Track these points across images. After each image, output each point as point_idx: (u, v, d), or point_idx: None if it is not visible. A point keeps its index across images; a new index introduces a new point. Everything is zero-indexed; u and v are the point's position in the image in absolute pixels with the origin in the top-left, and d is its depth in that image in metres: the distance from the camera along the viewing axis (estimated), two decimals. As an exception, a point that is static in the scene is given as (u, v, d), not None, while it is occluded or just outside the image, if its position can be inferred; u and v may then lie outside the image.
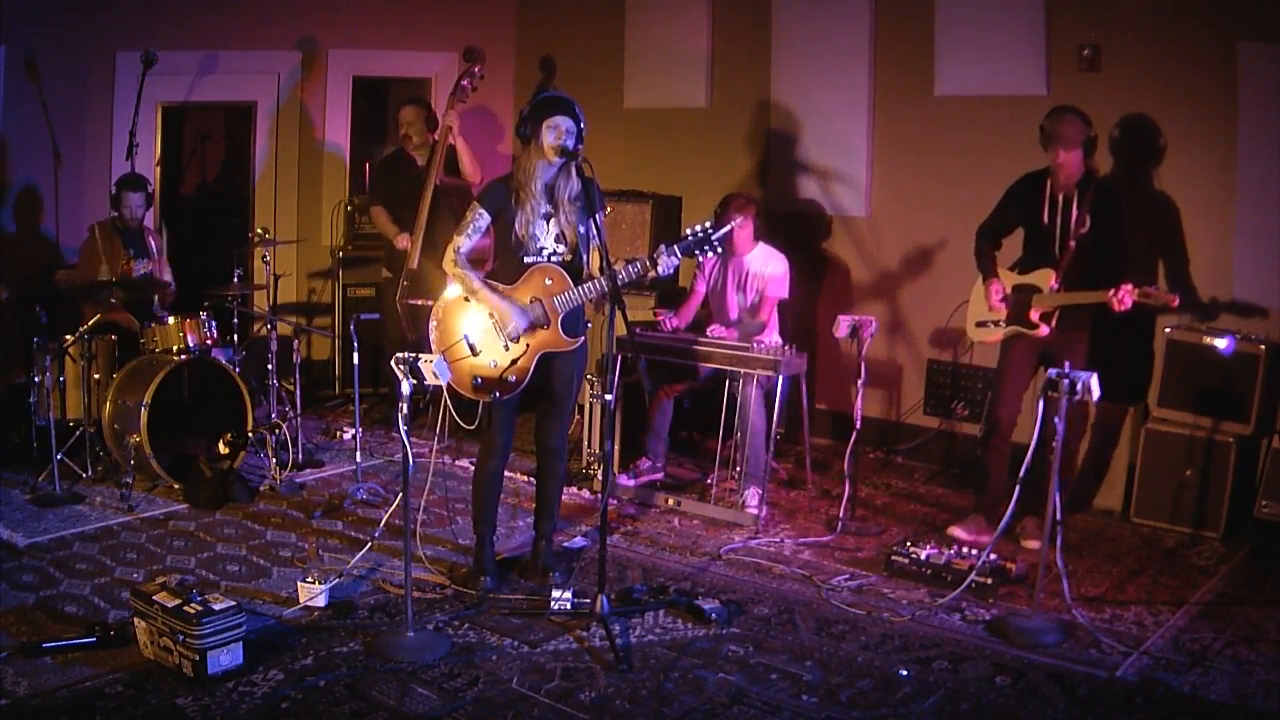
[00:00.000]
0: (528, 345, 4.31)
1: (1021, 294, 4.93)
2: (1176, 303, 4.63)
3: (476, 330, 4.29)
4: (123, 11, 6.69)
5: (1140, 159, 5.63)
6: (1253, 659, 3.93)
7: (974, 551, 4.61)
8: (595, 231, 4.14)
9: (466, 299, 4.31)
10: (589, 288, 4.24)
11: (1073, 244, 4.79)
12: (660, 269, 4.15)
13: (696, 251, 4.18)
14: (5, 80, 6.29)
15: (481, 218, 4.28)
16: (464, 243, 4.28)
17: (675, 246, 4.16)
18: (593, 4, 7.70)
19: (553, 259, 4.30)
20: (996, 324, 5.02)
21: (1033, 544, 4.83)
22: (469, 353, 4.26)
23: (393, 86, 7.88)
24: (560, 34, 7.84)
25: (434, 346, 4.30)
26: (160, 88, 6.66)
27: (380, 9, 7.60)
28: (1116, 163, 5.68)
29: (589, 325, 4.48)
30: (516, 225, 4.25)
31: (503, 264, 4.34)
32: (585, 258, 4.34)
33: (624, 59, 7.55)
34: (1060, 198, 4.85)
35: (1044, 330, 4.85)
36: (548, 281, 4.30)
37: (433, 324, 4.35)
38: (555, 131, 4.13)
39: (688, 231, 4.19)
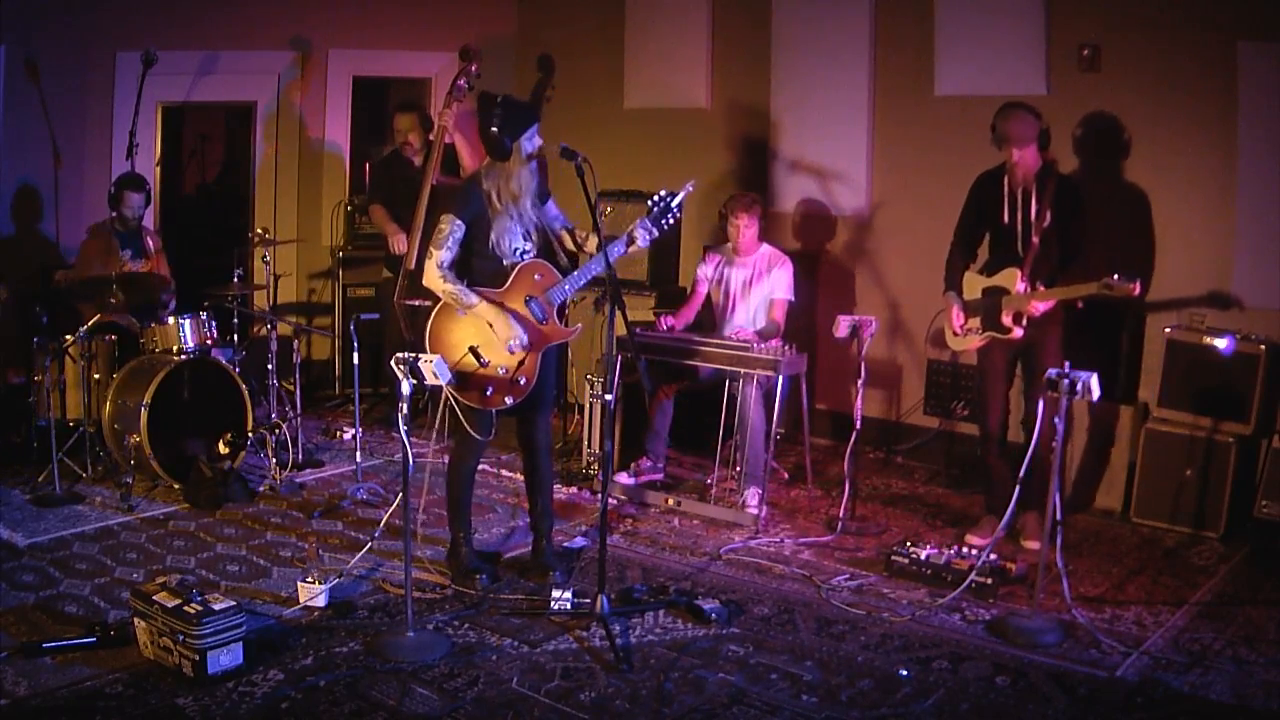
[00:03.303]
0: (532, 344, 4.33)
1: (991, 297, 4.91)
2: (1137, 290, 4.51)
3: (480, 338, 4.25)
4: (123, 11, 6.69)
5: (1139, 160, 5.63)
6: (1253, 659, 3.93)
7: (974, 551, 4.61)
8: (596, 229, 4.15)
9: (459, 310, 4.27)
10: (577, 276, 4.34)
11: (1036, 240, 4.77)
12: (640, 241, 4.36)
13: (664, 221, 4.41)
14: (5, 80, 6.29)
15: (459, 229, 4.24)
16: (446, 256, 4.22)
17: (646, 220, 4.40)
18: (593, 4, 7.70)
19: (525, 256, 4.35)
20: (972, 331, 5.01)
21: (1033, 544, 4.83)
22: (477, 364, 4.21)
23: (392, 86, 7.89)
24: (560, 34, 7.84)
25: None
26: (160, 88, 6.66)
27: (380, 9, 7.60)
28: (1114, 163, 5.68)
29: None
30: (494, 233, 4.27)
31: (480, 269, 4.31)
32: (556, 239, 4.46)
33: (624, 59, 7.55)
34: (1019, 194, 4.83)
35: (1018, 333, 4.83)
36: (537, 277, 4.35)
37: (428, 340, 4.25)
38: (533, 142, 4.26)
39: (650, 203, 4.41)
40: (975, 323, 4.97)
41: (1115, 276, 4.47)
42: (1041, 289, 4.76)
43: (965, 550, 4.65)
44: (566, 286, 4.36)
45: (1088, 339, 5.06)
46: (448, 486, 4.56)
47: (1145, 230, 5.61)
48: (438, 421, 3.92)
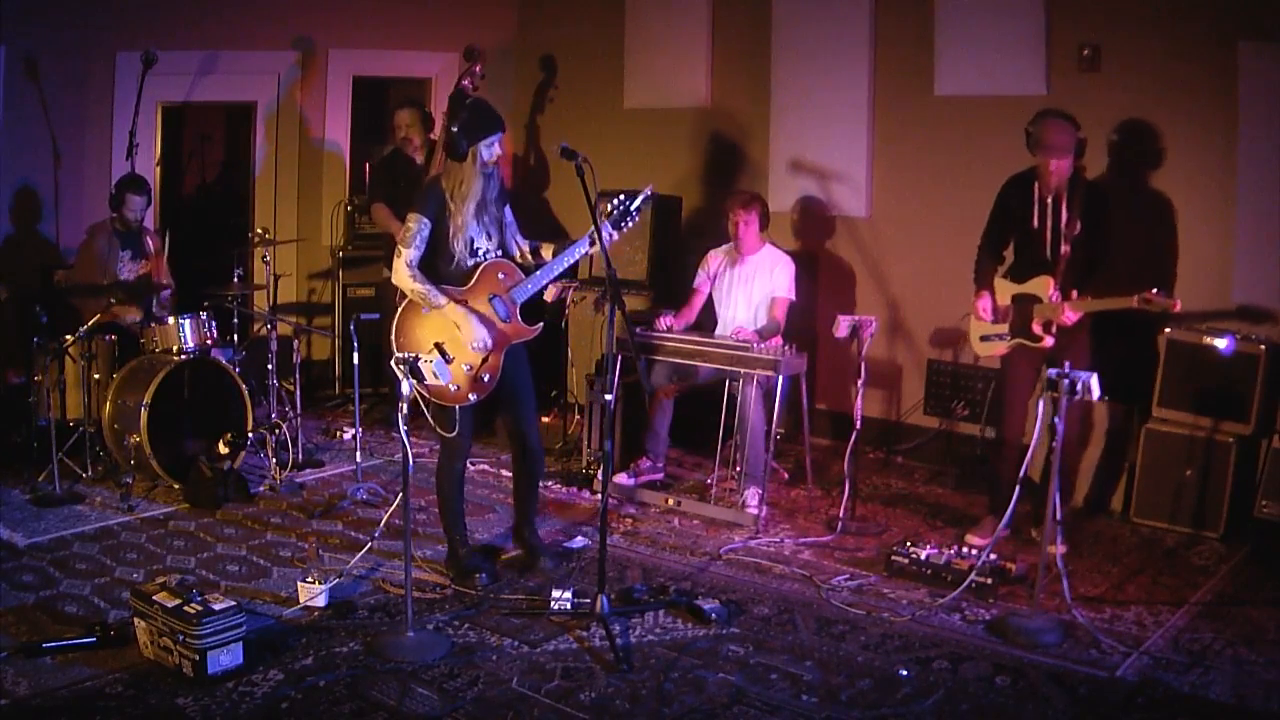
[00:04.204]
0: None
1: (1022, 304, 4.89)
2: (1178, 307, 4.54)
3: (444, 335, 4.30)
4: (123, 11, 6.69)
5: (1139, 160, 5.63)
6: (1253, 659, 3.93)
7: (974, 551, 4.61)
8: (596, 229, 4.21)
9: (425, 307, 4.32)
10: (540, 275, 4.44)
11: (1067, 248, 4.76)
12: (605, 242, 4.32)
13: (623, 223, 4.47)
14: (5, 80, 6.28)
15: (425, 227, 4.30)
16: (414, 255, 4.28)
17: (607, 223, 4.44)
18: (593, 4, 7.71)
19: (488, 256, 4.42)
20: (1000, 337, 4.98)
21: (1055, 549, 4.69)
22: (443, 361, 4.28)
23: (393, 86, 7.89)
24: (560, 34, 7.85)
25: None
26: (160, 88, 6.65)
27: (380, 9, 7.60)
28: (1115, 164, 5.67)
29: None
30: (456, 233, 4.33)
31: (444, 267, 4.36)
32: (512, 244, 4.56)
33: (624, 59, 7.55)
34: (1049, 200, 4.82)
35: (1048, 341, 4.80)
36: (501, 276, 4.42)
37: (394, 338, 4.30)
38: (491, 150, 4.30)
39: (610, 205, 4.48)
40: (1003, 328, 4.95)
41: (1155, 291, 4.47)
42: (1075, 297, 4.74)
43: (965, 550, 4.64)
44: (529, 285, 4.45)
45: (1097, 339, 5.04)
46: (438, 490, 4.58)
47: (1146, 230, 5.60)
48: (403, 422, 3.92)
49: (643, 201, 4.53)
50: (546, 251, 4.57)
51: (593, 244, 4.36)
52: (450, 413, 4.36)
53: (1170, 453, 5.28)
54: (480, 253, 4.40)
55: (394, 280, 4.33)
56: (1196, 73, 5.45)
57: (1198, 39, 5.44)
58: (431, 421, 4.30)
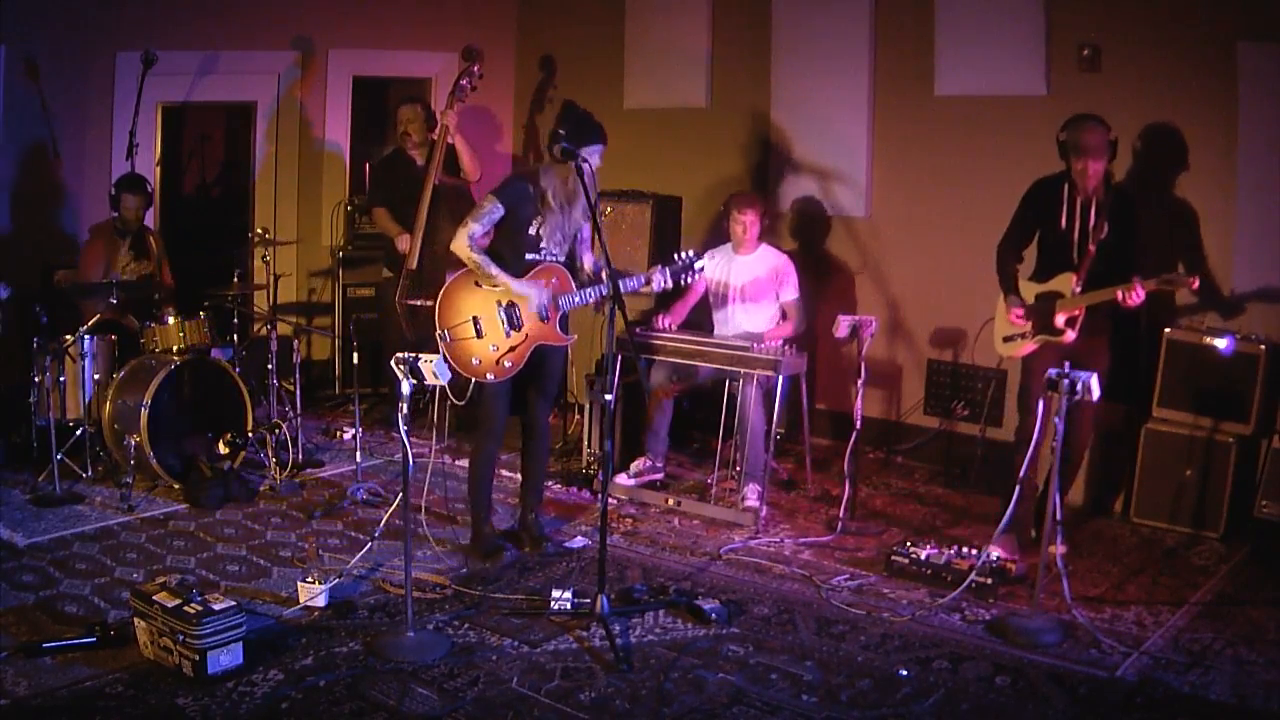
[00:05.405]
0: (527, 335, 4.55)
1: (1045, 302, 4.86)
2: (1196, 284, 4.55)
3: (483, 313, 4.48)
4: (123, 11, 6.69)
5: (1140, 160, 5.63)
6: (1253, 659, 3.93)
7: (974, 551, 4.61)
8: (596, 230, 4.34)
9: (477, 283, 4.49)
10: (590, 292, 4.61)
11: (1093, 248, 4.75)
12: (655, 286, 4.67)
13: (681, 276, 4.72)
14: (5, 80, 6.29)
15: (496, 210, 4.49)
16: (477, 229, 4.48)
17: (666, 269, 4.69)
18: (593, 4, 7.71)
19: (549, 258, 4.60)
20: (1023, 336, 4.96)
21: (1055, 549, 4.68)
22: (474, 334, 4.45)
23: (393, 86, 7.89)
24: (560, 34, 7.85)
25: (438, 323, 4.46)
26: (160, 88, 6.66)
27: (380, 9, 7.60)
28: (1115, 164, 5.66)
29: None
30: (532, 228, 4.52)
31: (506, 257, 4.54)
32: (580, 256, 4.74)
33: (624, 59, 7.55)
34: (1079, 202, 4.81)
35: (1070, 336, 4.78)
36: (554, 280, 4.60)
37: (438, 305, 4.49)
38: (594, 159, 4.46)
39: (676, 256, 4.74)
40: (1026, 327, 4.93)
41: (1179, 269, 4.53)
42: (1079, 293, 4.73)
43: (963, 550, 4.63)
44: (576, 298, 4.64)
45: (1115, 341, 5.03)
46: (470, 471, 4.79)
47: (1146, 229, 5.59)
48: (438, 420, 4.07)
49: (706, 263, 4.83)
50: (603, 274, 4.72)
51: (645, 284, 4.59)
52: (465, 385, 4.53)
53: (1170, 453, 5.28)
54: (543, 253, 4.57)
55: (452, 248, 4.51)
56: (1196, 73, 5.45)
57: (1198, 39, 5.44)
58: (449, 392, 4.47)
